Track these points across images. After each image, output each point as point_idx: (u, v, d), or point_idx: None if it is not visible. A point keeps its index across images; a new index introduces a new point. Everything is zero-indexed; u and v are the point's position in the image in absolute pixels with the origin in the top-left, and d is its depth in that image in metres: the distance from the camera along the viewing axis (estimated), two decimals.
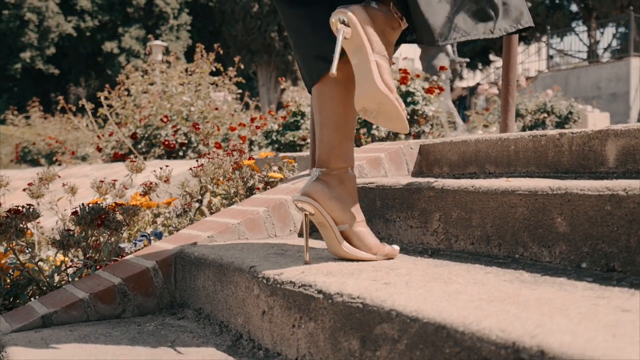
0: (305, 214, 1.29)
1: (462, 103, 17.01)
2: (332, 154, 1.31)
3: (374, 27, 1.20)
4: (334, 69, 1.19)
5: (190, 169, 2.34)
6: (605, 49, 19.54)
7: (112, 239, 1.91)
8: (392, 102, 1.20)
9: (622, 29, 18.62)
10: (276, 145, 5.33)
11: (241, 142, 5.85)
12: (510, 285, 0.99)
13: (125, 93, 6.90)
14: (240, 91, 7.37)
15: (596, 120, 9.53)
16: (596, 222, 1.05)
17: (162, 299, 1.61)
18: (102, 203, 2.23)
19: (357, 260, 1.29)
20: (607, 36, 22.42)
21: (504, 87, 2.19)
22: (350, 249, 1.29)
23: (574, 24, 20.79)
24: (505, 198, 1.23)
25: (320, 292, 1.06)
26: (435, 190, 1.40)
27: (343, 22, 1.19)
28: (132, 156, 5.99)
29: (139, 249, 2.00)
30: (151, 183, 2.52)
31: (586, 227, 1.07)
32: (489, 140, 1.74)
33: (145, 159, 5.98)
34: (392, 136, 4.30)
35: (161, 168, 2.49)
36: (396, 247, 1.32)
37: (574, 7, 20.66)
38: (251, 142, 5.85)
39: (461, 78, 23.88)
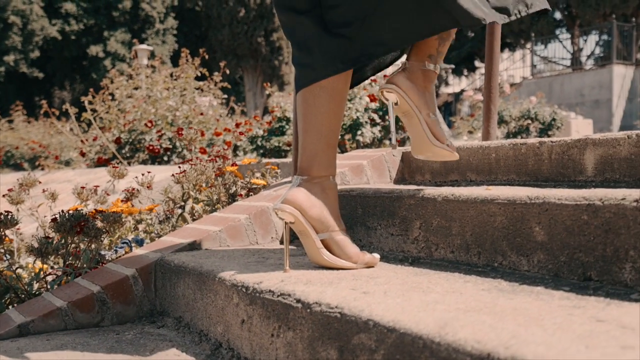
0: (286, 222, 1.29)
1: (448, 109, 17.12)
2: (314, 162, 1.30)
3: (417, 90, 1.35)
4: (394, 140, 1.39)
5: (173, 175, 2.32)
6: (589, 57, 19.76)
7: (93, 246, 1.89)
8: (445, 150, 1.39)
9: (605, 37, 18.85)
10: (261, 151, 5.33)
11: (226, 147, 5.83)
12: (488, 295, 1.00)
13: (110, 98, 6.86)
14: (225, 96, 7.36)
15: (579, 126, 9.62)
16: (573, 231, 1.06)
17: (141, 307, 1.60)
18: (83, 209, 2.21)
19: (337, 269, 1.29)
20: (590, 44, 22.69)
21: (486, 94, 2.21)
22: (331, 258, 1.28)
23: (557, 32, 21.00)
24: (484, 207, 1.23)
25: (298, 301, 1.05)
26: (415, 199, 1.41)
27: (390, 92, 1.36)
28: (115, 161, 5.96)
29: (120, 256, 1.98)
30: (133, 189, 2.50)
31: (564, 237, 1.08)
32: (470, 148, 1.75)
33: (129, 163, 5.94)
34: (377, 142, 4.32)
35: (143, 174, 2.48)
36: (376, 256, 1.32)
37: (557, 15, 20.88)
38: (236, 148, 5.84)
39: (446, 84, 24.04)
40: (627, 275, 0.98)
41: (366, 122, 4.35)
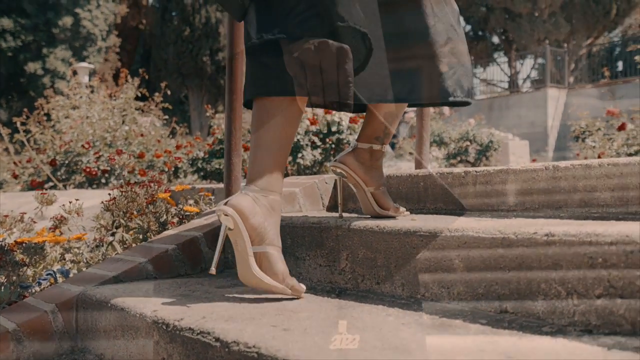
0: (224, 223, 1.26)
1: None
2: (262, 176, 1.32)
3: (363, 168, 1.53)
4: (340, 212, 1.60)
5: (102, 202, 2.25)
6: (525, 80, 20.54)
7: (14, 278, 1.81)
8: (390, 214, 1.52)
9: (540, 60, 19.64)
10: (202, 173, 5.26)
11: (166, 169, 5.73)
12: (407, 330, 1.00)
13: (45, 118, 6.65)
14: (166, 117, 7.25)
15: (516, 148, 9.94)
16: (490, 264, 1.08)
17: (61, 344, 1.53)
18: (5, 239, 2.11)
19: (263, 295, 1.27)
20: (527, 67, 23.60)
21: (419, 122, 2.24)
22: (259, 273, 1.26)
23: (496, 55, 21.74)
24: (407, 239, 1.24)
25: (217, 340, 1.03)
26: (343, 229, 1.41)
27: (336, 170, 1.54)
28: (50, 184, 5.75)
29: (44, 288, 1.90)
30: (62, 217, 2.41)
31: (481, 269, 1.10)
32: (399, 177, 1.77)
33: (65, 186, 5.75)
34: (318, 165, 4.33)
35: (71, 202, 2.39)
36: (302, 286, 1.31)
37: (495, 39, 21.62)
38: (177, 169, 5.74)
39: None
40: (540, 307, 1.00)
41: (307, 144, 4.37)
